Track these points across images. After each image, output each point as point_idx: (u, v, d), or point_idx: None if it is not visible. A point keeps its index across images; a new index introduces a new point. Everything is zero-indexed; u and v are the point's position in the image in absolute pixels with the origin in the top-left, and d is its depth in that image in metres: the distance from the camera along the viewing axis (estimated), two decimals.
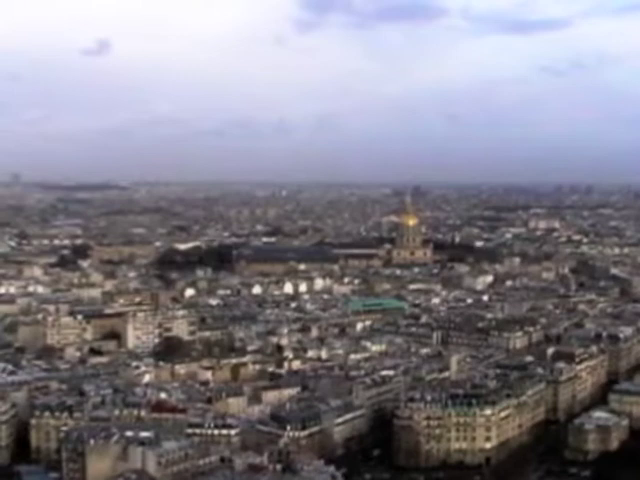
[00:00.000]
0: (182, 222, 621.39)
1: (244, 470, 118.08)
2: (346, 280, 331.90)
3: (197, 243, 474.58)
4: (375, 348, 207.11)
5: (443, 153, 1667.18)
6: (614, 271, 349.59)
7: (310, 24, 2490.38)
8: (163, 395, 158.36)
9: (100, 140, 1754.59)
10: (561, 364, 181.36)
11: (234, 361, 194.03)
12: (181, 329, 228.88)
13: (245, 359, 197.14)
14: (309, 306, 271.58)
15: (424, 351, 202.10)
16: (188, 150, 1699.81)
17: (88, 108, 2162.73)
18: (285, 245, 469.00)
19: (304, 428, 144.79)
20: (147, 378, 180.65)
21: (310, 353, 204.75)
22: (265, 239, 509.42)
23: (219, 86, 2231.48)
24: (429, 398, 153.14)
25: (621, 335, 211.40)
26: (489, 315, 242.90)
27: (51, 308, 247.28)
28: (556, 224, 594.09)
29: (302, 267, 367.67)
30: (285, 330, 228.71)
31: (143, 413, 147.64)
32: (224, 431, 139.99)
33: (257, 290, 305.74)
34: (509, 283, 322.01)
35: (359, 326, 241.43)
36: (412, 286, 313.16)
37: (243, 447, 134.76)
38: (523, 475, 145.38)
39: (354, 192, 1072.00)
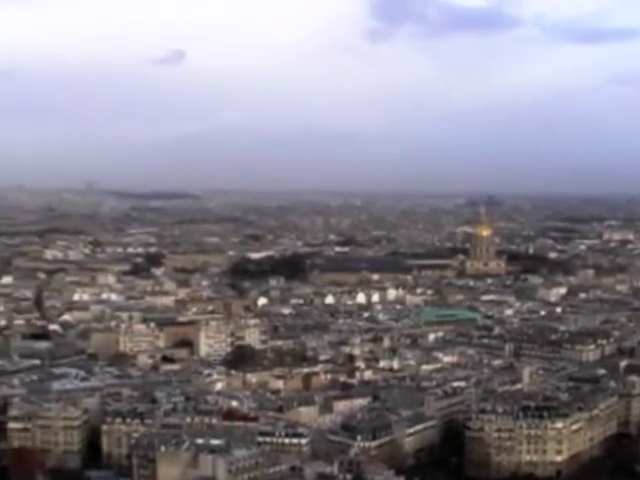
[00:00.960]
0: (255, 231, 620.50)
1: (314, 479, 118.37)
2: (419, 291, 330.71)
3: (270, 252, 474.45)
4: (447, 359, 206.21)
5: (516, 163, 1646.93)
6: None
7: (381, 34, 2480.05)
8: (234, 403, 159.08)
9: (173, 148, 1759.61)
10: (634, 377, 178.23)
11: (306, 370, 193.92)
12: (253, 338, 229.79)
13: (317, 368, 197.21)
14: (381, 316, 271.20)
15: (496, 363, 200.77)
16: (260, 159, 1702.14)
17: (162, 117, 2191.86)
18: (358, 255, 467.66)
19: (375, 438, 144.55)
20: (219, 386, 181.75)
21: (382, 363, 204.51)
22: (338, 249, 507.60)
23: (290, 95, 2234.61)
24: (500, 410, 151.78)
25: None
26: (562, 327, 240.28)
27: (124, 315, 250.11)
28: (630, 236, 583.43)
29: (375, 277, 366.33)
30: (357, 340, 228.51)
31: (214, 421, 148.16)
32: (295, 440, 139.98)
33: (330, 300, 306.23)
34: (582, 295, 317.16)
35: (431, 337, 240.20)
36: (485, 297, 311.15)
37: (313, 456, 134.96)
38: None
39: (427, 202, 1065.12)
